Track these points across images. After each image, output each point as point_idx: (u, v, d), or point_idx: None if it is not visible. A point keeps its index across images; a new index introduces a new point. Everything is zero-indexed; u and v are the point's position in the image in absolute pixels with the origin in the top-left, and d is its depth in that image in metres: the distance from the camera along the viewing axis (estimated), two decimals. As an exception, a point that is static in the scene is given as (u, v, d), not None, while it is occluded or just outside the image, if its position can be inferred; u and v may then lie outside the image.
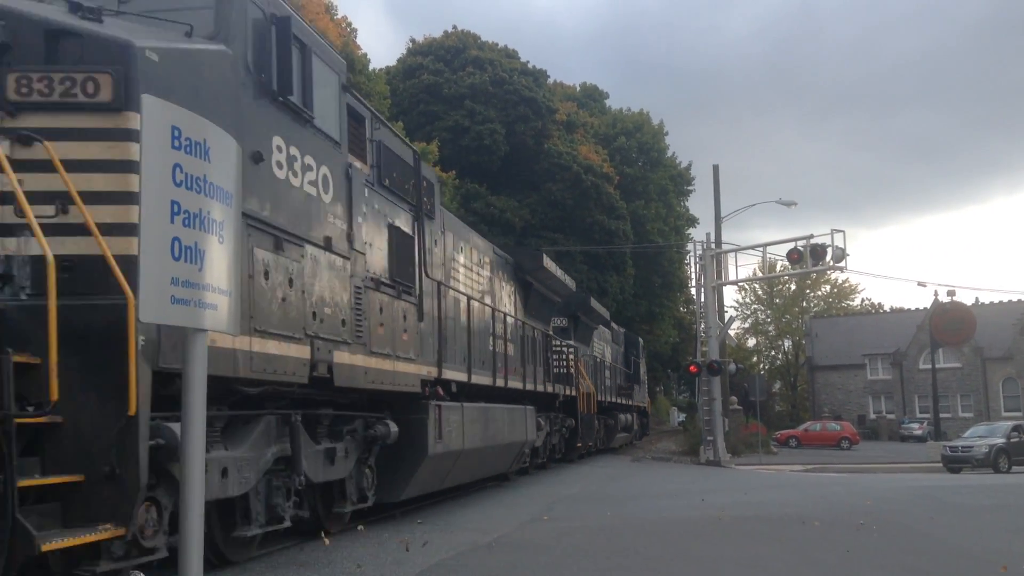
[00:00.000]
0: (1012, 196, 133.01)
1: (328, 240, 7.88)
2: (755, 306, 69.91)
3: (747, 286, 67.05)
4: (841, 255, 25.53)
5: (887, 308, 72.37)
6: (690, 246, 34.62)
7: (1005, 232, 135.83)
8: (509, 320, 15.94)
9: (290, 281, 7.07)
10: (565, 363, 20.81)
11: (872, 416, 59.02)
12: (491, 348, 14.40)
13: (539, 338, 18.42)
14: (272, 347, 6.70)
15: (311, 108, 7.48)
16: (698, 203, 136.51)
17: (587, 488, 16.77)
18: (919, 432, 49.27)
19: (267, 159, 6.78)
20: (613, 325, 33.31)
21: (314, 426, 8.13)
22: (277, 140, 6.96)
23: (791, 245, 26.32)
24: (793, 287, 67.62)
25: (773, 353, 73.34)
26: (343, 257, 8.23)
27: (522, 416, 15.55)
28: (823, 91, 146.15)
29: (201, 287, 3.88)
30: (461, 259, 13.48)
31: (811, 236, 25.97)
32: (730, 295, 75.80)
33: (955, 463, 27.79)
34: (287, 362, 6.97)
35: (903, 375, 57.70)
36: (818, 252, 25.68)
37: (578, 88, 59.96)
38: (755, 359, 71.75)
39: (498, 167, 44.63)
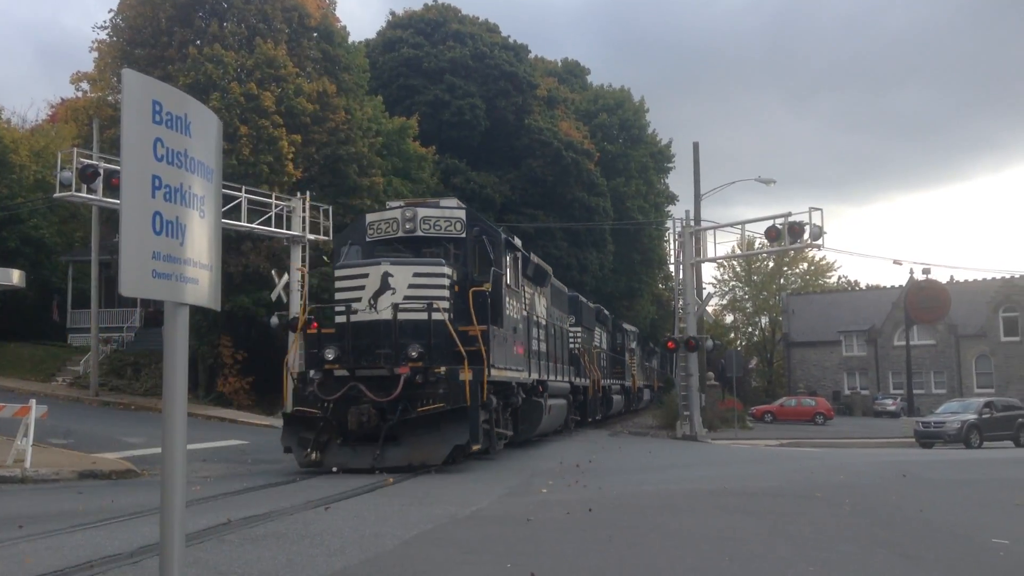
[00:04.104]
0: (997, 174, 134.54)
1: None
2: (733, 283, 70.42)
3: (725, 263, 67.51)
4: (818, 233, 25.65)
5: (863, 286, 73.02)
6: (669, 223, 34.82)
7: (987, 210, 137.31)
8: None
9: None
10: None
11: (847, 392, 59.67)
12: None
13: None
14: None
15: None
16: (681, 180, 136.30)
17: (566, 462, 16.91)
18: (893, 408, 49.94)
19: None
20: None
21: None
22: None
23: (769, 223, 26.44)
24: (771, 264, 68.06)
25: (750, 329, 73.95)
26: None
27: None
28: (813, 69, 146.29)
29: (182, 261, 3.86)
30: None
31: (789, 214, 26.10)
32: (709, 272, 76.40)
33: (927, 438, 28.25)
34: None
35: (878, 352, 58.37)
36: (795, 230, 25.79)
37: (559, 64, 59.69)
38: (732, 335, 72.28)
39: (478, 142, 44.35)
